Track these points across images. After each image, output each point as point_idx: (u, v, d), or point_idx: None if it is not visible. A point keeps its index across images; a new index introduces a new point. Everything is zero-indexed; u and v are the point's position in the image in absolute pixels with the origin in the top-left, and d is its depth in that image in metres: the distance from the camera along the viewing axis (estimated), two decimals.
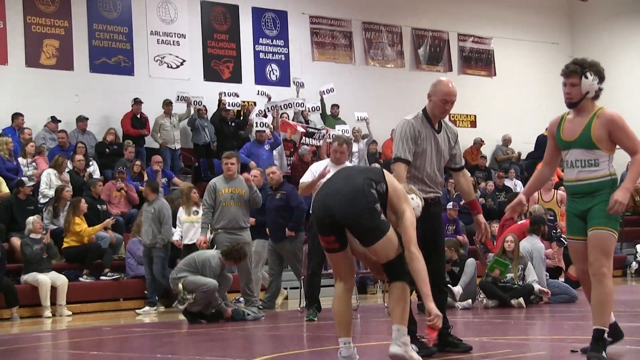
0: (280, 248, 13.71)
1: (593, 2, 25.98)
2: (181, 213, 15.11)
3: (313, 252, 11.75)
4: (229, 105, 20.38)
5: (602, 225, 6.65)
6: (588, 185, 6.76)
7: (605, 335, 6.69)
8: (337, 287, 6.67)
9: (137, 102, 19.59)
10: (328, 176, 11.51)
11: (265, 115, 20.09)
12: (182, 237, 14.99)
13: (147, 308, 14.58)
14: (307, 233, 12.37)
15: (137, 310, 14.55)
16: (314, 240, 11.68)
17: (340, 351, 6.50)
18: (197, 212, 14.65)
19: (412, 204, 6.67)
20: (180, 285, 11.88)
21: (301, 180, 11.86)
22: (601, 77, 6.95)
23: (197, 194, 15.07)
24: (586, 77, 6.83)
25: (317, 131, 20.26)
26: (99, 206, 16.20)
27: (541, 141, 25.77)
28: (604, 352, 6.60)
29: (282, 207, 13.58)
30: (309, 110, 21.53)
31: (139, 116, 19.64)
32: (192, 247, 14.56)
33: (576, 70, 6.87)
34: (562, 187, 19.08)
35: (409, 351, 6.46)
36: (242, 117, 20.75)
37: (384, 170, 6.66)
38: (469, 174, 8.26)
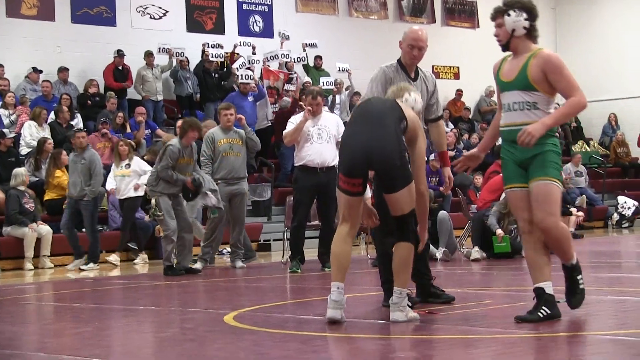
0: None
1: None
2: (113, 167, 15.16)
3: (299, 205, 11.78)
4: (212, 57, 20.27)
5: (542, 175, 6.30)
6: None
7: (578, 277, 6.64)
8: (342, 229, 6.61)
9: (119, 54, 19.43)
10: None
11: (248, 67, 19.99)
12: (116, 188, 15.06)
13: (77, 262, 14.29)
14: (292, 186, 12.36)
15: (67, 266, 14.31)
16: (300, 193, 11.72)
17: (331, 295, 6.50)
18: (129, 166, 14.75)
19: (409, 101, 6.77)
20: (153, 201, 12.28)
21: (284, 133, 11.93)
22: (530, 14, 6.49)
23: (126, 147, 14.99)
24: (509, 15, 6.46)
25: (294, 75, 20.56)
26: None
27: None
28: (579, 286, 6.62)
29: None
30: (294, 61, 21.46)
31: (120, 68, 19.50)
32: (126, 202, 14.65)
33: (499, 9, 6.57)
34: None
35: (409, 313, 6.52)
36: (225, 69, 20.64)
37: (401, 105, 6.67)
38: (444, 126, 8.25)
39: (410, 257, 6.52)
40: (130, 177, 14.80)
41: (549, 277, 6.41)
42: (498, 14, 6.57)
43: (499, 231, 12.65)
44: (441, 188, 18.42)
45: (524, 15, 6.45)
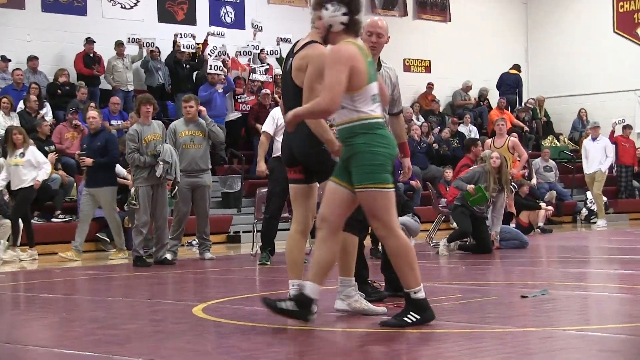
0: (97, 193, 13.31)
1: None
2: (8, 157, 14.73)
3: (273, 196, 11.76)
4: (183, 47, 20.17)
5: (360, 182, 5.88)
6: (340, 130, 6.02)
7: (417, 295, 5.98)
8: (292, 227, 6.69)
9: (89, 41, 19.29)
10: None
11: (218, 56, 19.91)
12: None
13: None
14: (268, 176, 12.33)
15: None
16: (274, 184, 11.69)
17: (289, 293, 6.51)
18: (23, 155, 14.09)
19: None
20: (133, 190, 12.25)
21: (263, 128, 12.01)
22: (350, 7, 6.02)
23: (21, 136, 14.35)
24: (326, 9, 6.03)
25: (260, 66, 20.52)
26: (46, 147, 15.82)
27: (504, 79, 26.15)
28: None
29: (100, 152, 13.17)
30: (267, 54, 21.41)
31: (91, 55, 19.37)
32: (20, 192, 14.08)
33: (319, 2, 6.13)
34: (514, 134, 19.32)
35: (353, 303, 6.50)
36: (197, 60, 20.55)
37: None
38: (404, 119, 8.25)
39: (347, 246, 6.46)
40: (23, 167, 14.30)
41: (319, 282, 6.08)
42: (317, 6, 6.18)
43: (469, 186, 12.69)
44: (412, 182, 18.58)
45: (343, 9, 6.00)
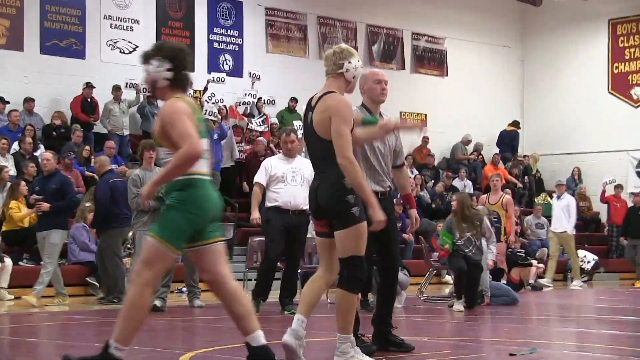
0: (46, 236, 13.21)
1: (544, 8, 26.25)
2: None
3: (273, 243, 11.67)
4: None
5: (154, 230, 5.83)
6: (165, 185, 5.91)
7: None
8: (318, 273, 6.70)
9: (88, 85, 19.38)
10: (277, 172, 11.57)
11: (215, 102, 20.01)
12: None
13: None
14: (263, 226, 12.19)
15: None
16: (274, 232, 11.61)
17: (292, 324, 6.55)
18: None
19: (350, 70, 6.66)
20: (131, 234, 12.26)
21: (255, 179, 11.87)
22: (175, 63, 5.93)
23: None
24: (150, 64, 5.94)
25: (257, 115, 20.59)
26: (37, 187, 15.71)
27: (504, 136, 26.33)
28: None
29: (55, 195, 13.20)
30: (264, 103, 21.52)
31: (89, 100, 19.44)
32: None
33: (145, 55, 6.02)
34: (507, 190, 19.37)
35: (349, 359, 6.48)
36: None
37: None
38: (407, 171, 8.36)
39: (345, 304, 6.47)
40: None
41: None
42: (144, 61, 6.03)
43: (443, 247, 12.77)
44: (404, 235, 18.56)
45: (167, 65, 5.90)
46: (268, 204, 11.77)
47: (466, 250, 12.62)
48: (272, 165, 11.72)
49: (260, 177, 11.84)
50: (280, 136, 12.17)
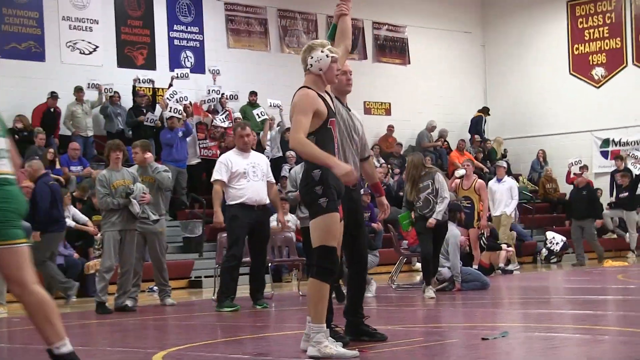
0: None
1: None
2: None
3: (238, 242, 11.51)
4: (140, 88, 20.22)
5: None
6: None
7: None
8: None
9: (53, 96, 19.14)
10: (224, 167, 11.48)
11: (179, 100, 19.97)
12: None
13: None
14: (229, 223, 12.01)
15: None
16: (240, 230, 11.50)
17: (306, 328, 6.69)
18: None
19: (314, 65, 6.77)
20: (99, 235, 12.25)
21: (215, 177, 11.66)
22: None
23: None
24: None
25: (220, 111, 20.57)
26: None
27: (474, 122, 26.48)
28: None
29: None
30: (227, 98, 21.46)
31: (52, 110, 19.21)
32: None
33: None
34: (475, 175, 19.43)
35: (323, 348, 6.49)
36: (156, 105, 20.52)
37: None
38: (373, 162, 8.41)
39: (315, 293, 6.53)
40: None
41: None
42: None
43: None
44: (373, 224, 18.60)
45: None
46: (231, 201, 11.59)
47: (425, 211, 12.45)
48: (232, 162, 11.57)
49: (221, 175, 11.60)
50: (235, 130, 12.07)
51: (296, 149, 6.59)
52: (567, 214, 22.06)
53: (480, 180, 16.12)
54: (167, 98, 19.88)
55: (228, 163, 11.59)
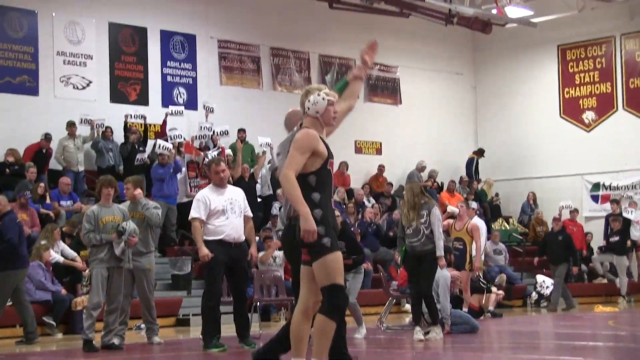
0: None
1: (495, 35, 26.48)
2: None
3: (217, 280, 11.41)
4: (132, 123, 20.25)
5: None
6: None
7: None
8: (296, 308, 6.88)
9: (47, 137, 19.09)
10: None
11: (174, 137, 20.00)
12: None
13: None
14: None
15: None
16: (219, 267, 11.38)
17: None
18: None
19: (311, 108, 6.93)
20: (87, 271, 12.09)
21: (192, 215, 11.45)
22: None
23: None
24: None
25: (212, 148, 20.53)
26: None
27: (471, 164, 26.53)
28: None
29: None
30: (218, 135, 21.45)
31: (44, 151, 19.17)
32: None
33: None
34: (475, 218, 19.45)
35: None
36: (146, 140, 20.50)
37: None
38: None
39: (323, 330, 6.61)
40: None
41: None
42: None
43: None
44: (363, 265, 18.54)
45: None
46: (208, 237, 11.39)
47: (414, 240, 12.31)
48: (210, 199, 11.39)
49: (199, 212, 11.38)
50: (210, 166, 11.97)
51: (282, 183, 6.76)
52: (547, 257, 21.89)
53: (473, 222, 16.04)
54: (168, 132, 19.98)
55: (206, 200, 11.41)
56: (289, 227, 7.38)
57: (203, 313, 11.70)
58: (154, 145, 19.79)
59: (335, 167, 24.22)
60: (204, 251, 11.42)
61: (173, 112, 21.00)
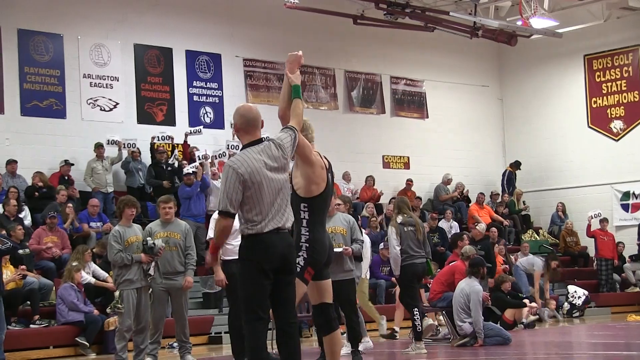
0: None
1: (521, 47, 26.41)
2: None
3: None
4: (159, 145, 20.33)
5: None
6: None
7: None
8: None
9: (67, 163, 19.27)
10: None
11: (204, 158, 20.10)
12: None
13: None
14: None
15: None
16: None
17: None
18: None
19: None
20: (117, 292, 12.04)
21: (209, 235, 11.52)
22: None
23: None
24: None
25: None
26: (20, 251, 15.56)
27: (509, 177, 26.54)
28: None
29: None
30: None
31: (66, 178, 19.27)
32: None
33: None
34: (493, 228, 19.34)
35: None
36: (178, 165, 20.45)
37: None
38: None
39: (335, 347, 7.28)
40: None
41: None
42: None
43: None
44: (393, 278, 18.48)
45: None
46: (227, 257, 11.31)
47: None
48: None
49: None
50: None
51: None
52: None
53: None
54: (199, 157, 20.10)
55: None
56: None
57: (230, 333, 11.67)
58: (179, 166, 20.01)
59: (362, 182, 24.32)
60: (219, 276, 11.47)
61: (192, 131, 21.08)
